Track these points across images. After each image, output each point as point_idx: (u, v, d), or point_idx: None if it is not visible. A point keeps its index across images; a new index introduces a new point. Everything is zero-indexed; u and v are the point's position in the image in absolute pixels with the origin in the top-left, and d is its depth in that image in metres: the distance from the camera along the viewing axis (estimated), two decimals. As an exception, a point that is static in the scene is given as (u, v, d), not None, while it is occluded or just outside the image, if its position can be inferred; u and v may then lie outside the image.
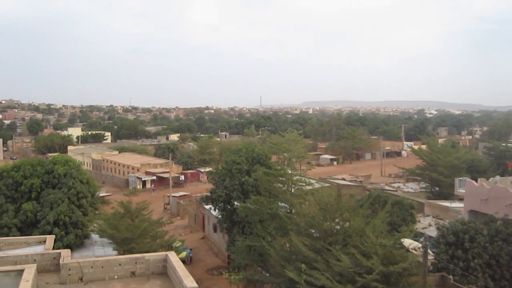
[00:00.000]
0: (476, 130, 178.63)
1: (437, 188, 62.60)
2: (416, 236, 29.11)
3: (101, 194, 53.08)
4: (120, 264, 18.16)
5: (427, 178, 64.91)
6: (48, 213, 34.87)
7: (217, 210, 42.15)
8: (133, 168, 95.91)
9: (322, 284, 21.70)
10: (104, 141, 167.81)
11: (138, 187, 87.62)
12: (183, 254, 44.64)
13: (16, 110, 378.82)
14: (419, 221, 40.52)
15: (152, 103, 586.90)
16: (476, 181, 38.39)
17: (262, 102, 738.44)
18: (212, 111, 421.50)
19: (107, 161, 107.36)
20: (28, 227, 35.72)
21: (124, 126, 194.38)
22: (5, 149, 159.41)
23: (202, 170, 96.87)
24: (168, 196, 72.41)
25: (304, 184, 33.54)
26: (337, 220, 26.38)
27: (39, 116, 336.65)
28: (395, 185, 71.98)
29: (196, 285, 15.31)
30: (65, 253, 19.08)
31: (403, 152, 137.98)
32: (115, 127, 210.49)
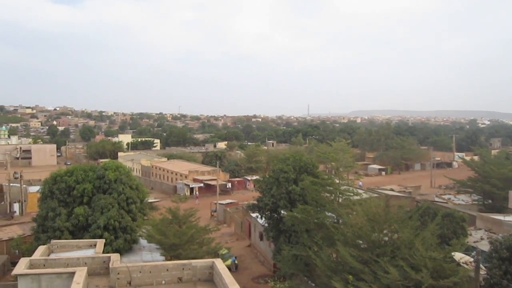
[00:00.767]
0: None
1: (490, 201, 60.66)
2: (467, 250, 28.25)
3: (149, 200, 53.86)
4: (167, 270, 18.36)
5: (479, 190, 62.99)
6: (98, 218, 35.65)
7: (263, 219, 42.11)
8: (181, 175, 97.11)
9: (370, 296, 21.37)
10: (153, 148, 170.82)
11: (186, 194, 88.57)
12: (229, 261, 44.76)
13: (69, 117, 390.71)
14: (470, 235, 39.36)
15: (200, 111, 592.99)
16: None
17: (310, 110, 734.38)
18: (260, 119, 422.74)
19: (156, 168, 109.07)
20: (79, 231, 36.57)
21: (173, 134, 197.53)
22: (58, 154, 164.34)
23: (249, 178, 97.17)
24: (215, 204, 72.86)
25: (351, 194, 33.16)
26: (385, 232, 25.96)
27: (92, 123, 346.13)
28: (446, 197, 70.20)
29: (242, 293, 15.30)
30: (114, 257, 19.42)
31: (454, 163, 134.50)
32: (164, 134, 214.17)
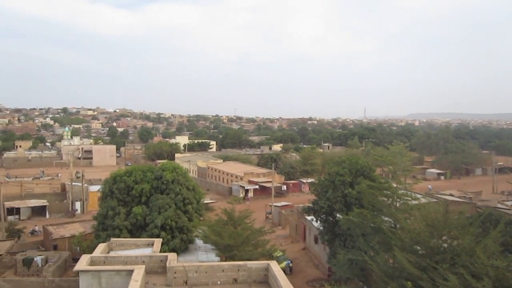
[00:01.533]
0: None
1: (557, 208, 58.08)
2: (532, 258, 27.13)
3: (205, 201, 54.49)
4: (223, 271, 18.48)
5: (545, 197, 60.48)
6: (156, 217, 36.36)
7: (318, 222, 41.83)
8: (236, 177, 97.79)
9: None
10: (209, 150, 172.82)
11: (241, 195, 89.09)
12: (284, 264, 44.66)
13: (128, 118, 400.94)
14: (535, 243, 37.73)
15: (256, 113, 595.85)
16: None
17: (366, 113, 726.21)
18: (315, 122, 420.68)
19: (211, 169, 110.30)
20: (137, 230, 37.44)
21: (228, 136, 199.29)
22: (118, 155, 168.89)
23: (304, 181, 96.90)
24: (270, 206, 72.93)
25: (409, 198, 32.49)
26: (444, 238, 25.30)
27: (150, 124, 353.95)
28: (509, 203, 67.62)
29: (297, 296, 15.20)
30: (171, 256, 19.72)
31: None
32: (220, 136, 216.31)
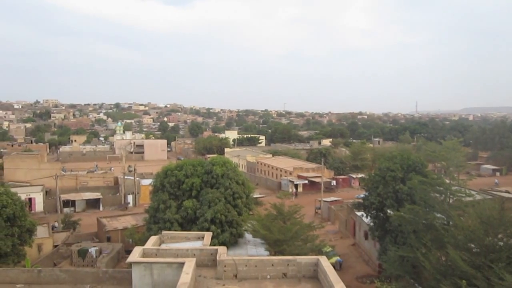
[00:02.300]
0: None
1: None
2: None
3: (255, 196, 54.69)
4: (272, 265, 18.48)
5: None
6: (206, 211, 36.82)
7: (369, 217, 41.40)
8: (285, 172, 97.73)
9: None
10: (259, 144, 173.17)
11: (290, 190, 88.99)
12: (333, 259, 44.41)
13: (179, 113, 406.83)
14: None
15: (305, 108, 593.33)
16: None
17: (418, 107, 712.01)
18: (365, 117, 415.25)
19: (261, 164, 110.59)
20: (187, 223, 38.03)
21: (277, 130, 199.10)
22: (168, 149, 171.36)
23: (354, 176, 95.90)
24: (319, 201, 72.61)
25: (463, 195, 31.67)
26: (500, 236, 24.56)
27: (199, 119, 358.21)
28: None
29: (347, 292, 15.09)
30: (221, 250, 19.87)
31: None
32: (269, 131, 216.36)
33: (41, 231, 50.78)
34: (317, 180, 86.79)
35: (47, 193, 77.52)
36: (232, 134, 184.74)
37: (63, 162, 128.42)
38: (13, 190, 43.65)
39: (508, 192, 68.08)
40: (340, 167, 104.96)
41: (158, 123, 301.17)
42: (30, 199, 69.88)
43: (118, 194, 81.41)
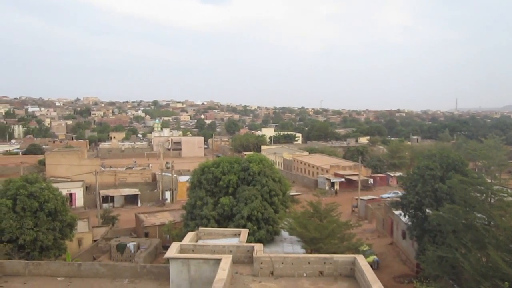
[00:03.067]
0: None
1: None
2: None
3: (291, 193, 54.60)
4: (309, 263, 18.40)
5: None
6: (242, 208, 36.94)
7: (407, 216, 40.89)
8: (322, 169, 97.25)
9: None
10: (295, 142, 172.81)
11: (327, 188, 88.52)
12: (370, 258, 43.96)
13: (216, 111, 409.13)
14: None
15: (342, 106, 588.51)
16: None
17: (458, 105, 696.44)
18: (404, 114, 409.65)
19: (297, 161, 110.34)
20: (224, 220, 38.22)
21: (314, 128, 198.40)
22: (205, 146, 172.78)
23: (392, 174, 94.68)
24: (356, 199, 72.02)
25: (505, 194, 30.90)
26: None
27: (236, 116, 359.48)
28: None
29: (384, 291, 14.91)
30: (258, 247, 19.89)
31: None
32: (306, 128, 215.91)
33: (81, 226, 51.90)
34: (354, 178, 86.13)
35: (87, 188, 79.09)
36: (268, 132, 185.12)
37: (102, 158, 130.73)
38: (54, 185, 44.69)
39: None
40: (378, 165, 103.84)
41: (195, 121, 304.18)
42: (70, 194, 71.34)
43: (156, 190, 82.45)
